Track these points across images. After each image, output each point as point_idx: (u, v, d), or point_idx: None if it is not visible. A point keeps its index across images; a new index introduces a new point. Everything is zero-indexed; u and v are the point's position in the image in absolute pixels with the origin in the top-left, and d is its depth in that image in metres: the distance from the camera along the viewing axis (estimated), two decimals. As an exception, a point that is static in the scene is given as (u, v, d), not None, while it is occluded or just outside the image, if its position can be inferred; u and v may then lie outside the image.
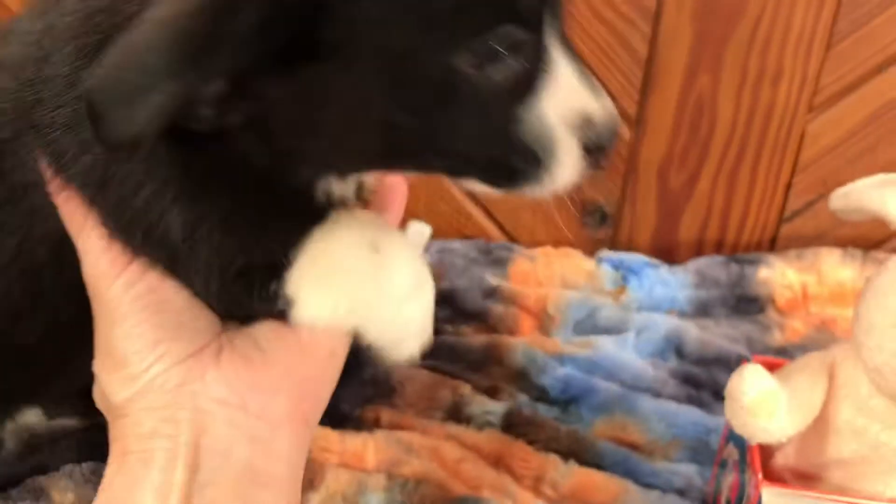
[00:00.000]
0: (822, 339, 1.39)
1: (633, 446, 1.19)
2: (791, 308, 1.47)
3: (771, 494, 0.90)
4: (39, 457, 1.06)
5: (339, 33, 0.53)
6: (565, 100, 0.62)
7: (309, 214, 0.69)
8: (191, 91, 0.49)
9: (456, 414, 1.20)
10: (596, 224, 1.60)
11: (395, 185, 0.83)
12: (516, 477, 1.12)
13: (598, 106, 0.63)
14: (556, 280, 1.50)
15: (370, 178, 0.77)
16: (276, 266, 0.67)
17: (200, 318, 0.67)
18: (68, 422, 1.11)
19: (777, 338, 1.41)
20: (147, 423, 0.63)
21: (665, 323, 1.39)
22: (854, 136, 1.50)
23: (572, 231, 1.62)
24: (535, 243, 1.61)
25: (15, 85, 0.65)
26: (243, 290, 0.68)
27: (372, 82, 0.56)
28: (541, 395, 1.26)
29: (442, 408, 1.20)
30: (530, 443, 1.16)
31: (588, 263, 1.54)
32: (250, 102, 0.55)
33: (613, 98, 1.45)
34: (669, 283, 1.49)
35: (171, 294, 0.66)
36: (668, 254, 1.59)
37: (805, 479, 0.95)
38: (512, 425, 1.18)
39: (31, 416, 1.09)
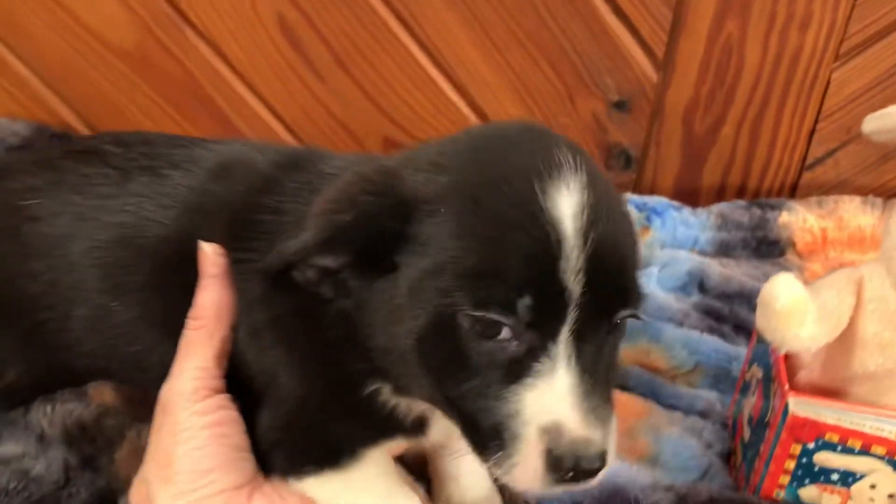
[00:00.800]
0: (841, 280, 1.41)
1: (657, 372, 1.22)
2: (810, 251, 1.50)
3: (797, 403, 0.93)
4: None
5: (397, 258, 0.66)
6: (547, 405, 0.63)
7: (376, 419, 0.77)
8: (308, 253, 0.67)
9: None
10: (621, 167, 1.63)
11: None
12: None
13: (577, 425, 0.63)
14: (580, 219, 1.52)
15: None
16: (331, 455, 0.77)
17: (247, 459, 0.77)
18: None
19: (797, 279, 1.44)
20: None
21: (688, 259, 1.42)
22: (879, 84, 1.51)
23: (596, 174, 1.64)
24: (559, 185, 1.64)
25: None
26: (293, 450, 0.78)
27: (404, 306, 0.66)
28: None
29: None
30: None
31: (612, 204, 1.56)
32: (338, 284, 0.69)
33: (643, 42, 1.48)
34: (692, 224, 1.52)
35: (233, 432, 0.76)
36: (690, 198, 1.61)
37: (829, 394, 0.98)
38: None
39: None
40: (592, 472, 0.63)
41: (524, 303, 0.61)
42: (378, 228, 0.65)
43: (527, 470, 0.63)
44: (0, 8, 1.57)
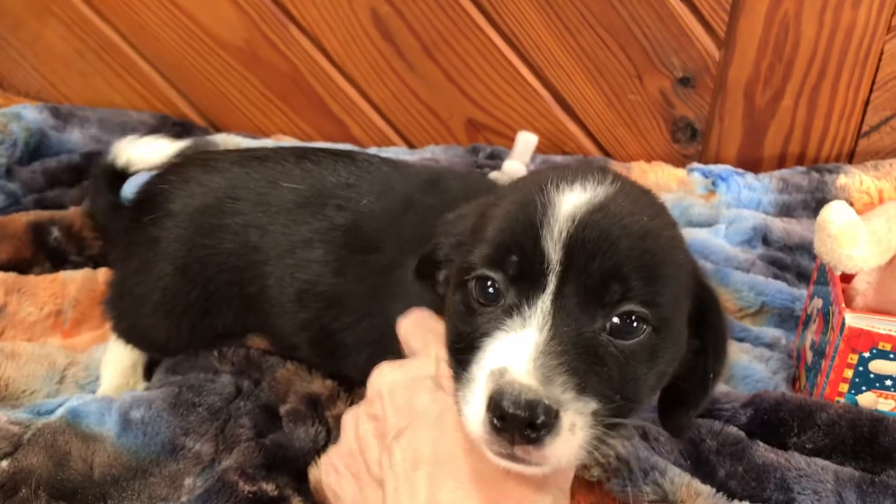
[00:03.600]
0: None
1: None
2: (868, 211, 1.60)
3: (853, 317, 1.05)
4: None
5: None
6: (503, 353, 0.67)
7: None
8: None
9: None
10: (687, 139, 1.76)
11: None
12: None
13: (520, 371, 0.64)
14: (649, 185, 1.64)
15: None
16: None
17: None
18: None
19: (855, 235, 1.55)
20: None
21: (753, 217, 1.54)
22: (930, 53, 1.62)
23: (663, 148, 1.78)
24: (629, 159, 1.78)
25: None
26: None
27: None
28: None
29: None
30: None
31: (679, 172, 1.69)
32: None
33: (705, 22, 1.61)
34: (755, 188, 1.64)
35: None
36: (753, 167, 1.73)
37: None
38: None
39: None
40: (525, 421, 0.63)
41: (511, 259, 0.70)
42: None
43: (473, 409, 0.67)
44: (125, 12, 1.79)
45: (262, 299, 1.04)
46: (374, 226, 0.99)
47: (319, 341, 1.04)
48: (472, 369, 0.69)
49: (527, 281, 0.70)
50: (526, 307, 0.69)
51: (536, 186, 0.73)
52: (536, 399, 0.63)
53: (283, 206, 1.03)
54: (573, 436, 0.65)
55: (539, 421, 0.63)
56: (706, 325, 0.80)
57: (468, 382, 0.69)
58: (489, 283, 0.72)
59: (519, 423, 0.63)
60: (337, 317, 1.00)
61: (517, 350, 0.66)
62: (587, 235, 0.69)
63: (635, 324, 0.70)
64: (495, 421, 0.64)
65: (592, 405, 0.67)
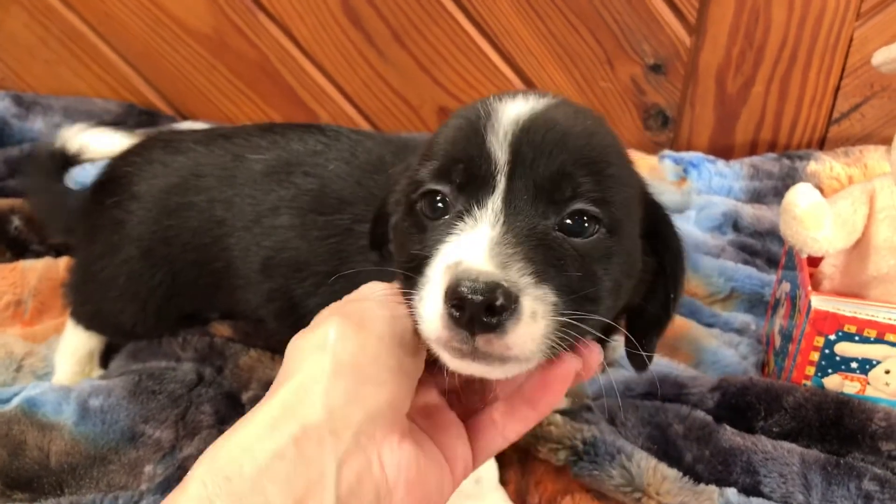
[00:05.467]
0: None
1: (695, 297, 1.34)
2: (837, 196, 1.60)
3: (818, 300, 1.05)
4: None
5: None
6: (457, 249, 0.66)
7: None
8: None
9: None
10: (658, 126, 1.75)
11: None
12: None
13: (475, 259, 0.64)
14: (621, 173, 1.65)
15: None
16: None
17: None
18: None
19: (825, 220, 1.55)
20: None
21: (723, 203, 1.54)
22: (899, 40, 1.62)
23: (635, 135, 1.77)
24: (601, 146, 1.77)
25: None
26: None
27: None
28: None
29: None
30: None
31: (651, 159, 1.69)
32: None
33: (675, 8, 1.60)
34: (726, 175, 1.64)
35: None
36: (724, 154, 1.73)
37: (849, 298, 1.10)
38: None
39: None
40: (484, 304, 0.61)
41: (458, 168, 0.70)
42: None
43: (429, 307, 0.65)
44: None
45: (228, 274, 1.03)
46: (341, 186, 0.98)
47: (286, 312, 1.02)
48: (425, 274, 0.68)
49: (475, 185, 0.69)
50: (476, 209, 0.68)
51: (478, 103, 0.73)
52: (494, 281, 0.61)
53: (249, 178, 1.02)
54: (535, 323, 0.64)
55: (499, 303, 0.61)
56: (662, 243, 0.79)
57: (423, 285, 0.67)
58: (437, 196, 0.71)
59: (478, 307, 0.61)
60: (301, 282, 0.99)
61: (471, 243, 0.65)
62: (533, 136, 0.69)
63: (587, 224, 0.69)
64: (453, 311, 0.62)
65: (552, 297, 0.65)
